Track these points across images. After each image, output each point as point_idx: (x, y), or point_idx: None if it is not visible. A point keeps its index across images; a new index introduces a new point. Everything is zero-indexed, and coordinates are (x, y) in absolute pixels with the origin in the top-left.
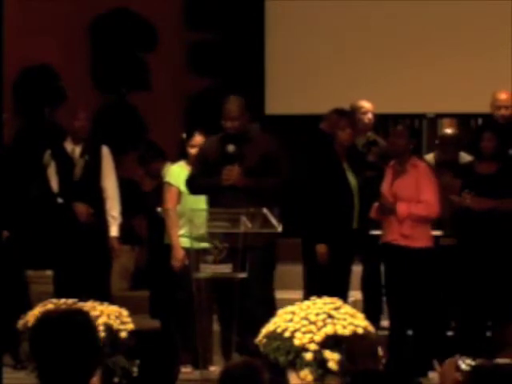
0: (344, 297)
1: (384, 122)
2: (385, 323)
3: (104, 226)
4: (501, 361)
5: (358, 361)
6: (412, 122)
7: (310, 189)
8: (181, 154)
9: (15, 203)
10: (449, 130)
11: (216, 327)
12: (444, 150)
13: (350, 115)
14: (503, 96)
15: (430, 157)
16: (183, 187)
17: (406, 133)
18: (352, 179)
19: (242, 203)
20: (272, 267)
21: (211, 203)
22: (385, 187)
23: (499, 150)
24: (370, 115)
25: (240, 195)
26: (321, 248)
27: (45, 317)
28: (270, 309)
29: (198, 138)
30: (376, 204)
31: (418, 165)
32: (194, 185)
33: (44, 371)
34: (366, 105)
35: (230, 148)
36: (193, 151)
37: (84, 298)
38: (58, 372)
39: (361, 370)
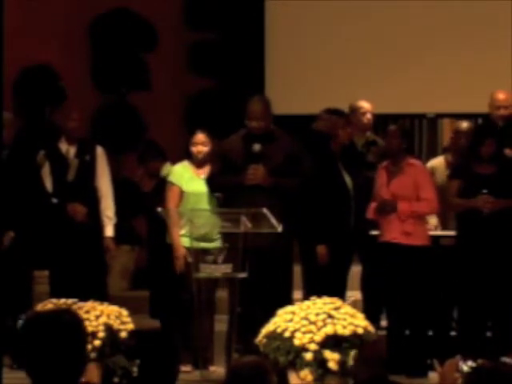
0: (342, 297)
1: (384, 122)
2: (385, 323)
3: (99, 226)
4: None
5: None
6: (412, 121)
7: (308, 189)
8: (186, 154)
9: (19, 204)
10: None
11: (216, 327)
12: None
13: (346, 114)
14: (502, 96)
15: (439, 160)
16: (185, 187)
17: (398, 133)
18: (348, 179)
19: (263, 202)
20: (290, 270)
21: (231, 202)
22: (381, 188)
23: (498, 154)
24: (369, 115)
25: (261, 195)
26: (321, 249)
27: (33, 316)
28: None
29: (200, 136)
30: (373, 204)
31: (414, 163)
32: (214, 183)
33: (33, 370)
34: (365, 105)
35: (257, 147)
36: (194, 149)
37: (80, 298)
38: (46, 371)
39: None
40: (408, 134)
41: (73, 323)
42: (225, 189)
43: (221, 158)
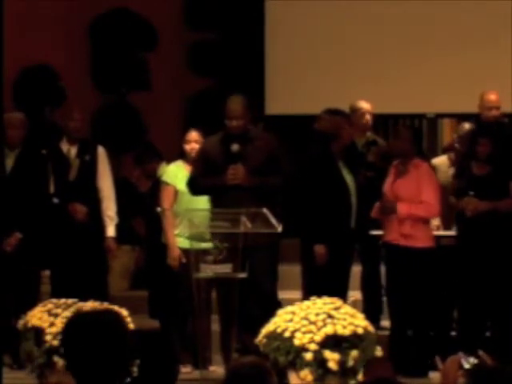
0: (343, 297)
1: (384, 122)
2: (385, 323)
3: (100, 226)
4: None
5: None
6: (412, 121)
7: (307, 189)
8: (180, 154)
9: (23, 204)
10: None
11: (216, 327)
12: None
13: (348, 115)
14: (493, 97)
15: (442, 159)
16: (180, 186)
17: (403, 133)
18: (349, 179)
19: (245, 203)
20: (276, 266)
21: (214, 203)
22: (386, 187)
23: (494, 154)
24: (368, 115)
25: (244, 195)
26: (319, 249)
27: (76, 318)
28: (276, 307)
29: (194, 134)
30: (377, 204)
31: (420, 165)
32: (196, 185)
33: (79, 371)
34: (364, 105)
35: (235, 147)
36: (188, 147)
37: (81, 298)
38: (93, 371)
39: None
40: (417, 134)
41: (117, 323)
42: (206, 191)
43: (203, 159)
